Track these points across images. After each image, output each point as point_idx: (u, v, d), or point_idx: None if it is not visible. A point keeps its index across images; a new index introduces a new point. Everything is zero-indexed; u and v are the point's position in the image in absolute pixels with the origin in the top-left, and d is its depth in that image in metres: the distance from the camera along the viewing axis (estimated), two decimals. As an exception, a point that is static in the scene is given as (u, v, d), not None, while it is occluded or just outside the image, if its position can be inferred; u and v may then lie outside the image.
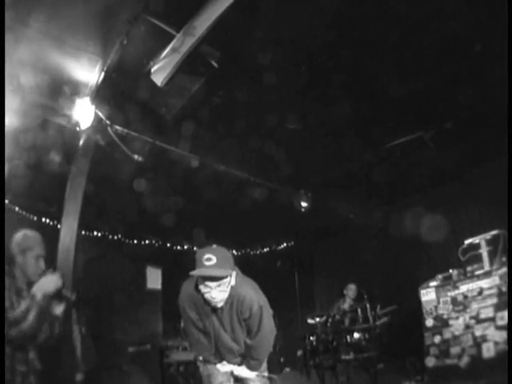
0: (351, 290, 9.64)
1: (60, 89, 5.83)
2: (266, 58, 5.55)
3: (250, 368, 3.93)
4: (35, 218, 8.78)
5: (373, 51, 5.82)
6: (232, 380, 4.01)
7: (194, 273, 3.37)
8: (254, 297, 3.68)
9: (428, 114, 7.12)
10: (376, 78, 6.31)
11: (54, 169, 6.77)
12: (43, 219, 8.88)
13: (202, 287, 3.44)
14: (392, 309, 8.63)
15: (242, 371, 3.94)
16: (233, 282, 3.53)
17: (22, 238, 3.77)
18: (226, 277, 3.43)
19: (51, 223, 8.79)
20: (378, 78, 6.31)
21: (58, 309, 3.80)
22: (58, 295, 3.70)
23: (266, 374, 4.03)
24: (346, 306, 9.42)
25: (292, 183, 9.37)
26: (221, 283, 3.41)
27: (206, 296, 3.46)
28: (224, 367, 3.95)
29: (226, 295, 3.50)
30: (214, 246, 3.58)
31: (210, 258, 3.35)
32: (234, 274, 3.54)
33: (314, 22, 5.23)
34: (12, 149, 5.73)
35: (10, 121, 5.31)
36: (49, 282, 3.63)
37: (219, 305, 3.52)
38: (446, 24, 5.37)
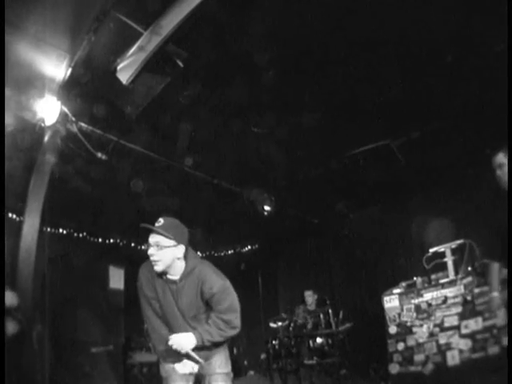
0: (308, 296, 9.64)
1: (26, 83, 5.73)
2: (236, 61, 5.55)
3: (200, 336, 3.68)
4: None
5: (344, 60, 5.82)
6: (192, 381, 3.93)
7: (142, 224, 3.57)
8: (215, 278, 3.69)
9: (396, 122, 7.14)
10: (347, 86, 6.32)
11: (20, 163, 6.65)
12: (10, 214, 8.73)
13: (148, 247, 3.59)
14: (348, 326, 8.63)
15: (181, 340, 3.66)
16: (179, 255, 3.62)
17: None
18: (166, 238, 3.55)
19: (17, 219, 8.64)
20: (349, 86, 6.32)
21: (9, 327, 3.75)
22: (11, 314, 3.66)
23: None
24: (304, 312, 9.39)
25: (256, 186, 9.35)
26: (159, 244, 3.54)
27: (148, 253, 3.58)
28: (183, 368, 3.83)
29: (164, 260, 3.56)
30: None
31: (159, 221, 3.60)
32: (181, 247, 3.63)
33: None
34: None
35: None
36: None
37: (156, 267, 3.57)
38: (418, 34, 5.40)
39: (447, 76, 6.15)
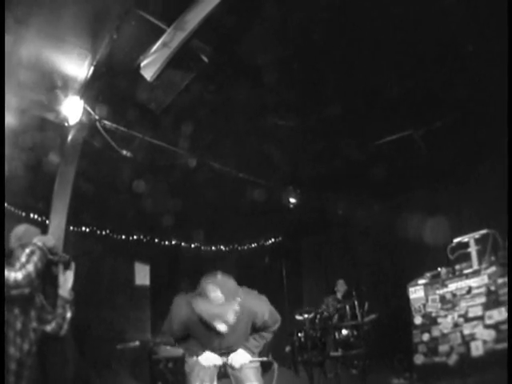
0: (340, 285, 9.66)
1: (49, 83, 5.76)
2: (260, 56, 5.54)
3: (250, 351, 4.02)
4: (23, 214, 8.69)
5: (366, 51, 5.79)
6: (216, 375, 4.08)
7: (203, 315, 3.52)
8: (264, 306, 3.96)
9: (419, 112, 7.09)
10: (369, 77, 6.30)
11: (42, 164, 6.69)
12: (31, 215, 8.79)
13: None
14: (373, 317, 8.66)
15: (238, 358, 3.97)
16: (236, 308, 3.60)
17: (22, 232, 3.76)
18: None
19: (39, 219, 8.70)
20: (371, 77, 6.29)
21: (65, 278, 3.76)
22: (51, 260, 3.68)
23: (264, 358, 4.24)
24: (335, 302, 9.41)
25: (281, 179, 9.34)
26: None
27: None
28: (209, 360, 3.94)
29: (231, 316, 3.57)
30: (219, 275, 3.63)
31: (216, 294, 3.45)
32: (238, 299, 3.61)
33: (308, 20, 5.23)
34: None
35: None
36: (46, 238, 3.65)
37: (222, 329, 3.61)
38: (440, 24, 5.35)
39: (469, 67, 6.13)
